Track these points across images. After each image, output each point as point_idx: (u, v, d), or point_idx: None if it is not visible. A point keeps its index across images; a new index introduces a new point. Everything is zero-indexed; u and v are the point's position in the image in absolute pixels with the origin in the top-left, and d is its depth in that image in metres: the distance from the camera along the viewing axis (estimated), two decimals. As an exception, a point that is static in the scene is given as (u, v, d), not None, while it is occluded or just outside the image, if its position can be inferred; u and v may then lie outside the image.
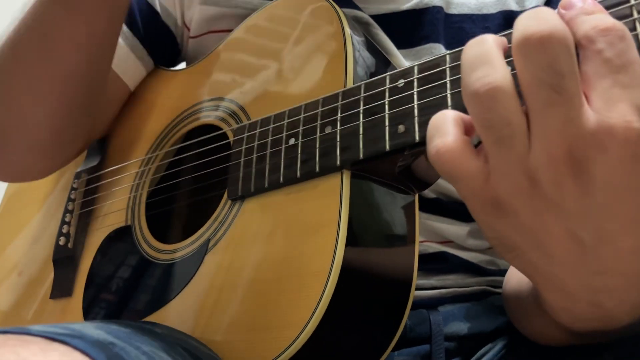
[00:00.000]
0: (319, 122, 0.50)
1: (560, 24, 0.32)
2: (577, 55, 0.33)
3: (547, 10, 0.33)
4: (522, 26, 0.33)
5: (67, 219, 0.73)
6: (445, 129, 0.36)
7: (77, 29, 0.63)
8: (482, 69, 0.34)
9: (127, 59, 0.74)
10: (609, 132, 0.31)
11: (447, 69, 0.44)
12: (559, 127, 0.32)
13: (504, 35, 0.38)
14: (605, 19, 0.33)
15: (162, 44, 0.76)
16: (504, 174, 0.34)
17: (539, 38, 0.32)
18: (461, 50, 0.43)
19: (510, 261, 0.39)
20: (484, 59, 0.34)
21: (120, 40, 0.74)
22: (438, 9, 0.67)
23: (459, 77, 0.42)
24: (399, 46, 0.64)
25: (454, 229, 0.67)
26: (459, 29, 0.67)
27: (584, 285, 0.37)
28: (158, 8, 0.75)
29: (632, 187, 0.32)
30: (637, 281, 0.36)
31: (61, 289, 0.70)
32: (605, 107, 0.32)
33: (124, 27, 0.75)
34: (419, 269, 0.51)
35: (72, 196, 0.75)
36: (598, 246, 0.34)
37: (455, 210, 0.67)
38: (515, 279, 0.56)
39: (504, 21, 0.67)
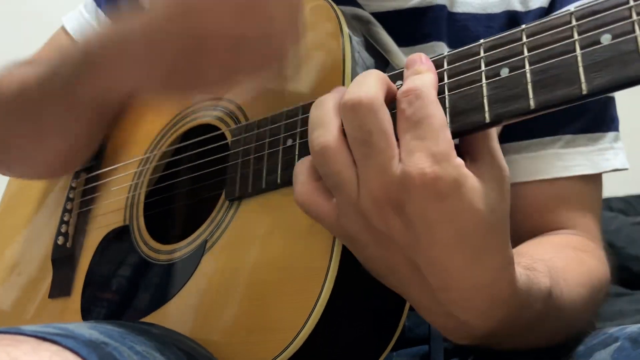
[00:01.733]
0: None
1: (373, 91, 0.40)
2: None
3: (370, 76, 0.41)
4: (346, 92, 0.41)
5: (65, 219, 0.73)
6: (299, 177, 0.44)
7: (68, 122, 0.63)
8: (318, 130, 0.42)
9: None
10: (408, 178, 0.38)
11: (445, 72, 0.43)
12: (376, 175, 0.39)
13: (391, 75, 0.44)
14: (410, 82, 0.40)
15: None
16: (344, 214, 0.42)
17: (352, 104, 0.40)
18: (460, 51, 0.43)
19: (385, 283, 0.45)
20: (320, 121, 0.42)
21: None
22: (441, 7, 0.66)
23: (458, 79, 0.42)
24: (401, 44, 0.64)
25: None
26: (463, 28, 0.67)
27: (433, 301, 0.42)
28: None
29: (442, 219, 0.39)
30: (472, 293, 0.41)
31: (60, 288, 0.70)
32: (407, 157, 0.38)
33: None
34: None
35: (71, 195, 0.75)
36: (430, 268, 0.41)
37: None
38: None
39: (508, 21, 0.67)
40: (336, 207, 0.42)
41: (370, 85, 0.40)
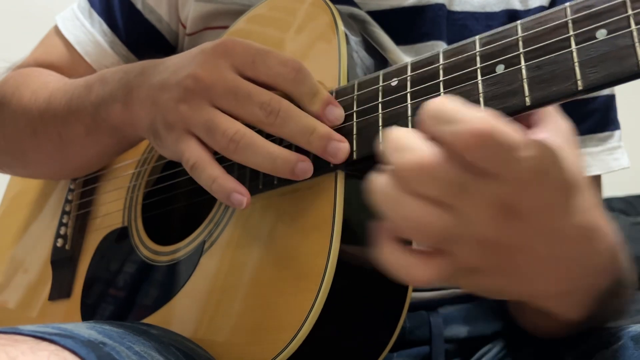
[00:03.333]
0: None
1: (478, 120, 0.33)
2: None
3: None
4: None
5: (64, 221, 0.73)
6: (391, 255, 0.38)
7: (89, 149, 0.66)
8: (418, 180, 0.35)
9: (106, 56, 0.74)
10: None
11: (440, 67, 0.43)
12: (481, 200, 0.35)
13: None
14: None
15: (146, 42, 0.75)
16: (463, 250, 0.37)
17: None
18: (456, 47, 0.43)
19: (530, 298, 0.43)
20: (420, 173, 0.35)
21: (99, 38, 0.75)
22: (440, 6, 0.66)
23: (452, 77, 0.42)
24: (399, 43, 0.64)
25: None
26: (462, 27, 0.66)
27: (576, 271, 0.41)
28: (139, 6, 0.74)
29: (552, 195, 0.37)
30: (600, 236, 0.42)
31: (60, 290, 0.70)
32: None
33: (104, 26, 0.75)
34: None
35: (70, 197, 0.75)
36: (564, 239, 0.39)
37: None
38: None
39: (507, 20, 0.67)
40: (447, 256, 0.37)
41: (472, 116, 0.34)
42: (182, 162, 0.51)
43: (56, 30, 0.77)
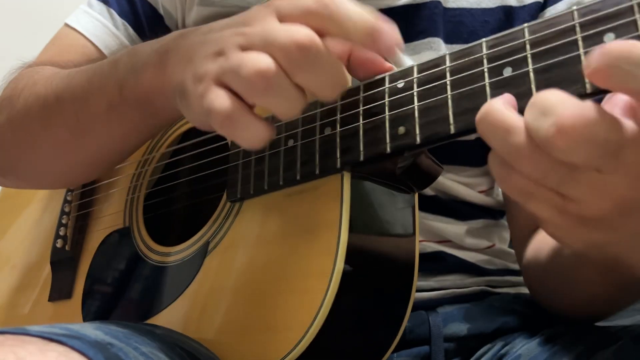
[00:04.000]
0: (318, 123, 0.50)
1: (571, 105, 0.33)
2: None
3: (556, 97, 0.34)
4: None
5: (64, 221, 0.73)
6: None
7: (107, 131, 0.60)
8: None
9: None
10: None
11: (447, 69, 0.44)
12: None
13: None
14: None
15: None
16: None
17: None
18: (462, 50, 0.43)
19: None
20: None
21: (127, 42, 0.74)
22: (436, 4, 0.66)
23: (459, 78, 0.43)
24: None
25: (452, 228, 0.67)
26: (458, 23, 0.67)
27: None
28: (161, 11, 0.75)
29: None
30: None
31: (60, 291, 0.70)
32: None
33: (130, 29, 0.75)
34: None
35: (69, 198, 0.75)
36: None
37: (453, 208, 0.67)
38: (545, 251, 0.59)
39: (503, 16, 0.67)
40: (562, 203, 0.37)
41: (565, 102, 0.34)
42: (210, 117, 0.45)
43: (71, 31, 0.76)
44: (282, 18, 0.44)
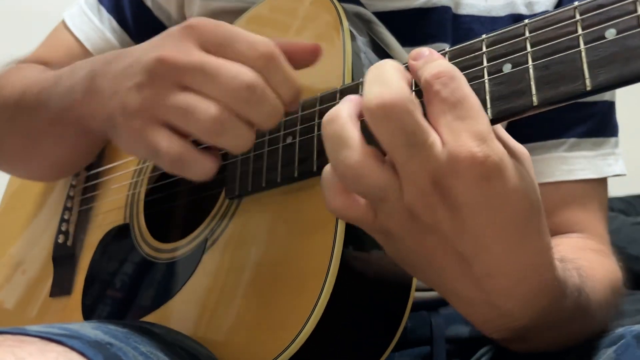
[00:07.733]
0: (316, 120, 0.50)
1: (400, 86, 0.37)
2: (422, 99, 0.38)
3: (388, 69, 0.38)
4: (367, 94, 0.37)
5: (66, 217, 0.73)
6: (329, 190, 0.41)
7: (54, 146, 0.63)
8: (340, 151, 0.38)
9: None
10: (456, 161, 0.36)
11: None
12: (420, 167, 0.37)
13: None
14: (437, 65, 0.38)
15: None
16: (385, 213, 0.39)
17: (383, 109, 0.36)
18: (462, 46, 0.43)
19: (417, 278, 0.45)
20: (339, 140, 0.38)
21: (109, 35, 0.74)
22: (446, 9, 0.66)
23: None
24: (404, 44, 0.64)
25: None
26: (468, 30, 0.66)
27: (475, 290, 0.41)
28: (149, 4, 0.74)
29: (490, 203, 0.37)
30: (518, 278, 0.40)
31: (61, 287, 0.70)
32: (452, 139, 0.36)
33: (114, 23, 0.75)
34: None
35: (71, 193, 0.75)
36: (475, 254, 0.39)
37: None
38: None
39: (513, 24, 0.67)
40: (371, 208, 0.40)
41: (393, 81, 0.37)
42: (156, 157, 0.46)
43: (63, 27, 0.77)
44: (205, 48, 0.46)
